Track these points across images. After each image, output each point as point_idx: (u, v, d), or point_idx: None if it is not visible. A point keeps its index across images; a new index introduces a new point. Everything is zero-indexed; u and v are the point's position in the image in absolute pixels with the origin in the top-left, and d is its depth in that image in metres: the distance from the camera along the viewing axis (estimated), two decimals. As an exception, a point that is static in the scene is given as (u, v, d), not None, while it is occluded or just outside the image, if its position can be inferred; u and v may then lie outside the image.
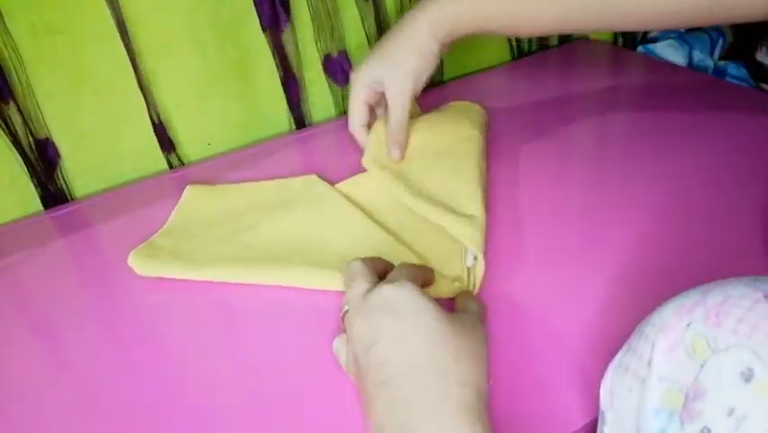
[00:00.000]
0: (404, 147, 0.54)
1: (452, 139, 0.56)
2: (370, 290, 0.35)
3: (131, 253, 0.48)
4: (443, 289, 0.41)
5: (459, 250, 0.45)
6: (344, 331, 0.37)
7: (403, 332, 0.32)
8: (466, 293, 0.41)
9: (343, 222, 0.50)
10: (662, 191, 0.51)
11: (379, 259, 0.41)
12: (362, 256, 0.40)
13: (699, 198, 0.49)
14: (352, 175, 0.56)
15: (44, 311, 0.47)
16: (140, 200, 0.59)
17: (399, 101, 0.54)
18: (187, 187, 0.57)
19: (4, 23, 0.52)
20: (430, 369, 0.30)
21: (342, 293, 0.39)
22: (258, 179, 0.58)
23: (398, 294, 0.33)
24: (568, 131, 0.63)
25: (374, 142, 0.56)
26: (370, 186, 0.54)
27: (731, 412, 0.22)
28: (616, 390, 0.28)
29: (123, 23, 0.56)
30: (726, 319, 0.23)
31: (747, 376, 0.22)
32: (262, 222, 0.51)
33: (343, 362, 0.37)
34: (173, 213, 0.54)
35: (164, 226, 0.52)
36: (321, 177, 0.56)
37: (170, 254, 0.48)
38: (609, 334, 0.38)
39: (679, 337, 0.25)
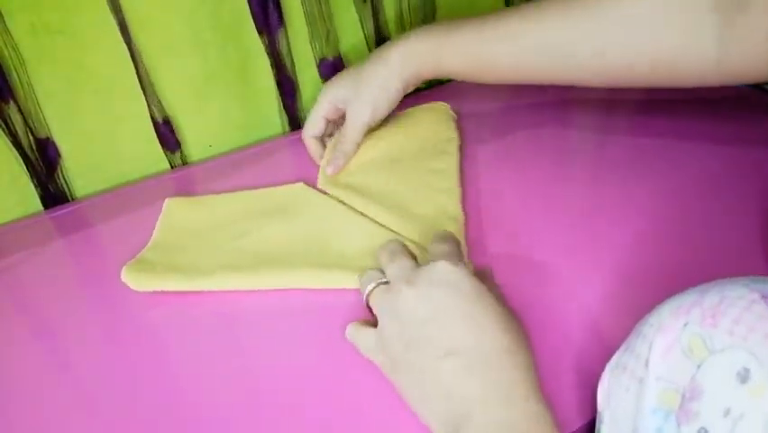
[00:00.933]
0: (339, 168, 0.55)
1: (423, 144, 0.57)
2: (418, 266, 0.35)
3: (123, 269, 0.46)
4: None
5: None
6: (370, 311, 0.37)
7: (468, 309, 0.32)
8: (488, 274, 0.40)
9: (339, 221, 0.49)
10: (660, 190, 0.51)
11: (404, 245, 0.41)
12: (367, 251, 0.41)
13: (698, 198, 0.49)
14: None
15: (44, 311, 0.47)
16: (140, 200, 0.59)
17: (351, 129, 0.54)
18: (166, 201, 0.55)
19: (4, 22, 0.52)
20: (497, 350, 0.30)
21: (349, 290, 0.40)
22: (258, 179, 0.58)
23: (459, 272, 0.33)
24: (567, 131, 0.63)
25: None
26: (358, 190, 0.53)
27: (727, 413, 0.22)
28: (613, 390, 0.28)
29: (124, 23, 0.56)
30: (723, 320, 0.23)
31: (743, 377, 0.22)
32: (254, 228, 0.50)
33: (365, 346, 0.36)
34: (156, 228, 0.52)
35: (151, 240, 0.50)
36: (308, 184, 0.56)
37: (164, 267, 0.46)
38: (608, 334, 0.38)
39: (676, 338, 0.25)
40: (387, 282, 0.37)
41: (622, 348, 0.28)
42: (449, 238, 0.39)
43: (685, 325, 0.25)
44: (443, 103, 0.64)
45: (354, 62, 0.69)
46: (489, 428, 0.28)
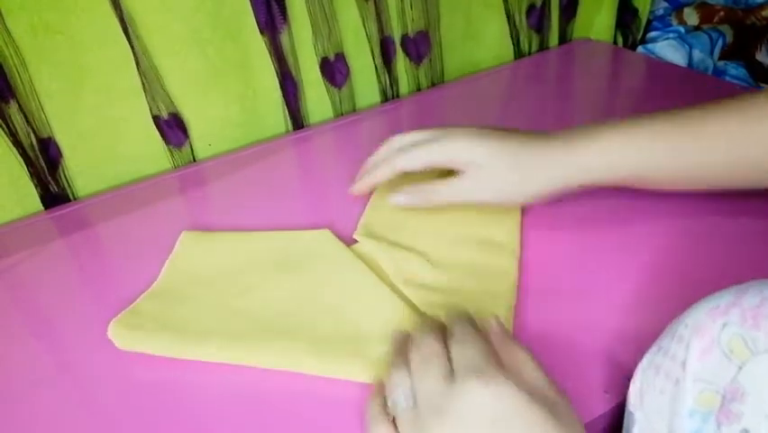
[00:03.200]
0: (410, 207, 0.47)
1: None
2: (451, 383, 0.28)
3: (111, 323, 0.42)
4: None
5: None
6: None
7: None
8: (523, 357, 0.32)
9: (360, 286, 0.43)
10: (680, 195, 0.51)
11: (433, 319, 0.35)
12: (388, 331, 0.35)
13: (699, 197, 0.49)
14: (347, 176, 0.53)
15: (44, 311, 0.47)
16: (141, 200, 0.59)
17: (461, 197, 0.45)
18: (183, 234, 0.51)
19: (4, 22, 0.52)
20: None
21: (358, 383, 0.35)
22: (260, 179, 0.58)
23: (495, 396, 0.27)
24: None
25: (371, 214, 0.51)
26: (388, 246, 0.47)
27: None
28: (646, 390, 0.27)
29: (124, 22, 0.56)
30: (764, 321, 0.23)
31: None
32: (264, 283, 0.45)
33: None
34: (166, 265, 0.48)
35: (154, 285, 0.46)
36: (335, 233, 0.49)
37: (156, 324, 0.41)
38: (629, 326, 0.38)
39: (714, 338, 0.24)
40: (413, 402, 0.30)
41: (654, 348, 0.28)
42: (465, 319, 0.33)
43: (724, 325, 0.24)
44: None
45: (355, 61, 0.69)
46: None
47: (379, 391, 0.33)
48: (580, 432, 0.28)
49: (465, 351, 0.30)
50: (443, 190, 0.45)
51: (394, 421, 0.30)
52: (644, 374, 0.28)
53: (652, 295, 0.41)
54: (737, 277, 0.27)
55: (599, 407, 0.34)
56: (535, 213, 0.50)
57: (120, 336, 0.41)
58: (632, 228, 0.47)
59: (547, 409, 0.27)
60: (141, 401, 0.38)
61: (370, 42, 0.69)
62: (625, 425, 0.30)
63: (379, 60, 0.71)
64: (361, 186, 0.49)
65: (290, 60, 0.65)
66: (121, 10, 0.55)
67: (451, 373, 0.29)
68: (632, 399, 0.29)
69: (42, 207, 0.60)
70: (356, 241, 0.48)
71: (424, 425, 0.28)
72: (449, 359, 0.30)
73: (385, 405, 0.32)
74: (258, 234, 0.50)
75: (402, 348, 0.33)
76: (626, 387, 0.30)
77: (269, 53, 0.64)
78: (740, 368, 0.23)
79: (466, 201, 0.45)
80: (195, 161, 0.66)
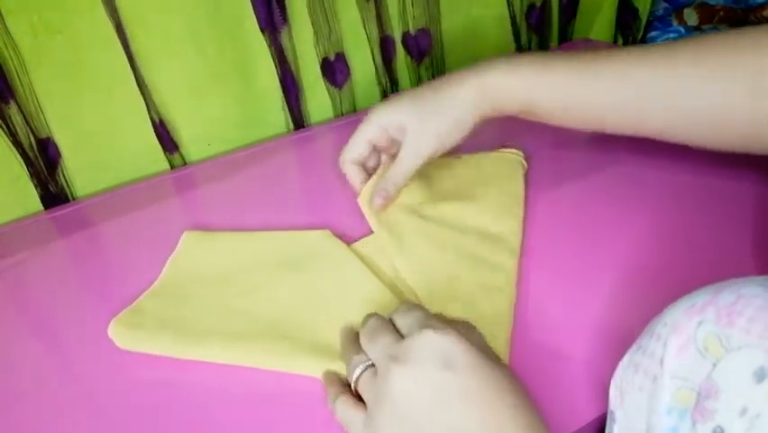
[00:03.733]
0: (390, 200, 0.48)
1: (486, 203, 0.50)
2: (401, 340, 0.31)
3: (112, 322, 0.41)
4: None
5: (494, 325, 0.39)
6: (357, 397, 0.33)
7: (465, 385, 0.28)
8: (469, 326, 0.34)
9: (357, 289, 0.43)
10: (663, 188, 0.51)
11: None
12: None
13: (699, 197, 0.49)
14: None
15: (44, 311, 0.47)
16: (140, 200, 0.59)
17: (411, 160, 0.47)
18: (185, 233, 0.51)
19: (4, 23, 0.52)
20: (502, 426, 0.27)
21: None
22: (260, 179, 0.58)
23: (448, 341, 0.29)
24: (568, 131, 0.62)
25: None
26: (389, 245, 0.47)
27: (744, 412, 0.22)
28: (626, 389, 0.28)
29: (123, 23, 0.56)
30: (739, 319, 0.23)
31: (760, 376, 0.22)
32: (265, 283, 0.45)
33: (356, 426, 0.32)
34: (167, 264, 0.48)
35: (155, 283, 0.46)
36: (335, 233, 0.50)
37: (157, 323, 0.41)
38: (614, 332, 0.38)
39: (690, 336, 0.24)
40: (373, 365, 0.32)
41: (634, 347, 0.28)
42: (416, 306, 0.34)
43: (700, 323, 0.24)
44: (515, 151, 0.57)
45: (356, 61, 0.70)
46: None
47: (332, 381, 0.35)
48: (522, 393, 0.29)
49: (409, 316, 0.32)
50: (402, 165, 0.48)
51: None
52: (624, 373, 0.28)
53: (637, 301, 0.41)
54: (718, 278, 0.27)
55: (586, 415, 0.34)
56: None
57: (120, 335, 0.41)
58: (621, 227, 0.47)
59: (493, 361, 0.29)
60: (141, 401, 0.38)
61: (370, 42, 0.69)
62: (607, 425, 0.30)
63: (379, 60, 0.71)
64: (379, 204, 0.50)
65: (291, 60, 0.65)
66: (120, 10, 0.55)
67: (400, 336, 0.32)
68: (613, 398, 0.29)
69: (42, 207, 0.60)
70: (356, 240, 0.49)
71: (383, 376, 0.30)
72: (396, 331, 0.33)
73: (344, 387, 0.34)
74: (259, 234, 0.50)
75: (350, 341, 0.36)
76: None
77: (270, 53, 0.64)
78: (714, 365, 0.23)
79: (419, 164, 0.47)
80: (194, 161, 0.66)
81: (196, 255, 0.49)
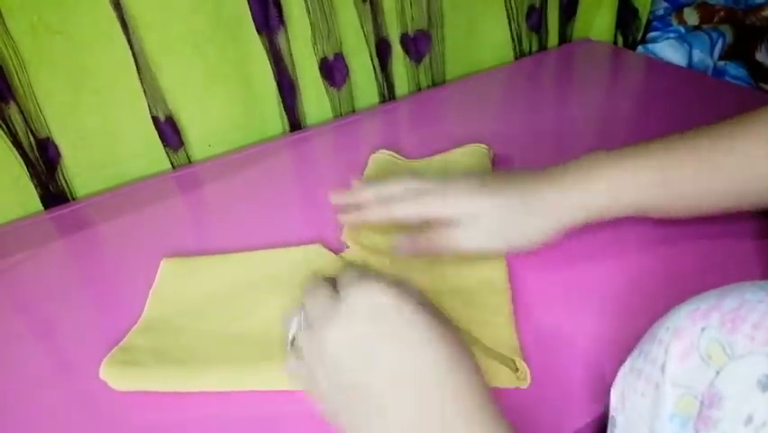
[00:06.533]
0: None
1: None
2: (336, 294, 0.31)
3: (104, 362, 0.39)
4: (503, 379, 0.36)
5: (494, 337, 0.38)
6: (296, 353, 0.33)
7: (397, 336, 0.29)
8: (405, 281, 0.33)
9: None
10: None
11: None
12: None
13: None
14: (345, 177, 0.51)
15: (44, 311, 0.47)
16: (140, 200, 0.59)
17: (466, 249, 0.43)
18: (163, 261, 0.48)
19: (4, 23, 0.52)
20: (435, 373, 0.28)
21: None
22: (258, 180, 0.57)
23: (377, 292, 0.29)
24: (568, 131, 0.63)
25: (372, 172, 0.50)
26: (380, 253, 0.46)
27: (749, 421, 0.21)
28: (627, 394, 0.27)
29: (125, 22, 0.56)
30: (743, 325, 0.23)
31: (765, 384, 0.21)
32: (257, 305, 0.43)
33: (305, 385, 0.33)
34: (150, 297, 0.45)
35: (140, 320, 0.43)
36: (326, 246, 0.48)
37: (150, 358, 0.39)
38: (616, 334, 0.38)
39: (693, 343, 0.24)
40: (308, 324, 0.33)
41: (636, 352, 0.28)
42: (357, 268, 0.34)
43: (703, 329, 0.24)
44: (482, 145, 0.57)
45: (354, 61, 0.69)
46: None
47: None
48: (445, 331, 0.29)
49: (346, 275, 0.32)
50: (443, 242, 0.43)
51: None
52: (626, 378, 0.28)
53: (638, 304, 0.41)
54: (723, 282, 0.27)
55: (585, 416, 0.34)
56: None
57: (114, 376, 0.39)
58: (618, 234, 0.47)
59: (429, 312, 0.29)
60: (141, 401, 0.38)
61: (368, 43, 0.69)
62: (608, 429, 0.30)
63: (377, 61, 0.71)
64: (352, 220, 0.47)
65: (287, 61, 0.65)
66: (120, 10, 0.55)
67: (336, 294, 0.32)
68: (614, 402, 0.29)
69: (42, 207, 0.60)
70: (348, 247, 0.48)
71: (318, 334, 0.30)
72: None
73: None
74: (244, 256, 0.48)
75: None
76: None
77: (267, 54, 0.64)
78: (718, 373, 0.23)
79: (466, 251, 0.43)
80: (193, 161, 0.66)
81: (179, 284, 0.46)
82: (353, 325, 0.29)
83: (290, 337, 0.33)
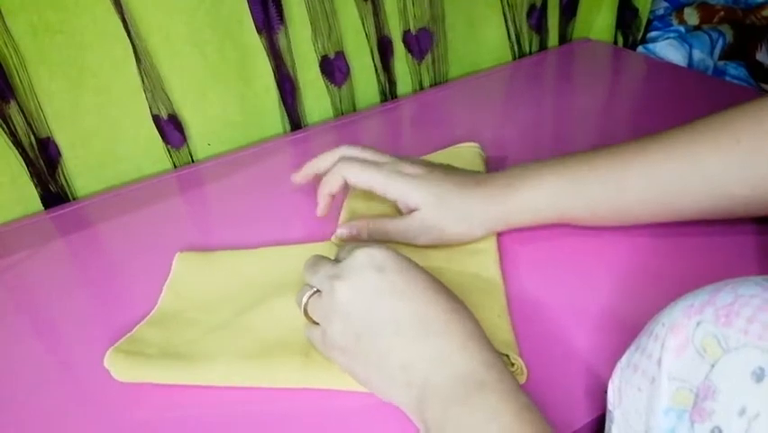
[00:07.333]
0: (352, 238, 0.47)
1: None
2: (338, 263, 0.35)
3: (109, 351, 0.39)
4: None
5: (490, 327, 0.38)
6: (311, 321, 0.37)
7: (400, 283, 0.33)
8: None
9: None
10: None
11: None
12: None
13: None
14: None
15: (44, 311, 0.47)
16: (140, 200, 0.59)
17: (399, 234, 0.45)
18: (177, 255, 0.48)
19: (4, 22, 0.52)
20: (437, 312, 0.33)
21: (364, 394, 0.35)
22: (258, 180, 0.57)
23: (378, 252, 0.34)
24: (568, 131, 0.63)
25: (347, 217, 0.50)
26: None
27: (742, 412, 0.22)
28: (624, 389, 0.28)
29: (125, 22, 0.56)
30: (737, 319, 0.23)
31: (759, 376, 0.22)
32: (267, 301, 0.43)
33: (319, 343, 0.36)
34: (164, 290, 0.46)
35: (153, 311, 0.44)
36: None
37: (159, 350, 0.39)
38: (613, 332, 0.38)
39: (688, 337, 0.25)
40: (318, 291, 0.36)
41: (632, 347, 0.28)
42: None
43: (698, 324, 0.24)
44: (474, 144, 0.57)
45: (356, 60, 0.69)
46: (448, 384, 0.30)
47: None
48: (443, 288, 0.34)
49: (344, 248, 0.37)
50: (390, 229, 0.45)
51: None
52: (623, 373, 0.28)
53: (635, 301, 0.41)
54: (718, 278, 0.27)
55: (585, 415, 0.34)
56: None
57: (118, 366, 0.39)
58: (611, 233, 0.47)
59: (430, 277, 0.35)
60: (142, 400, 0.38)
61: (369, 41, 0.69)
62: (606, 425, 0.30)
63: (378, 59, 0.71)
64: (302, 174, 0.50)
65: (287, 60, 0.65)
66: (121, 10, 0.55)
67: (338, 263, 0.36)
68: (611, 397, 0.29)
69: (42, 207, 0.60)
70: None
71: (328, 294, 0.34)
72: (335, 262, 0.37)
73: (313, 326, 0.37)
74: (259, 251, 0.48)
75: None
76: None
77: (266, 53, 0.64)
78: (713, 366, 0.23)
79: (409, 241, 0.45)
80: (194, 161, 0.66)
81: (194, 278, 0.46)
82: (362, 276, 0.33)
83: (302, 306, 0.37)
